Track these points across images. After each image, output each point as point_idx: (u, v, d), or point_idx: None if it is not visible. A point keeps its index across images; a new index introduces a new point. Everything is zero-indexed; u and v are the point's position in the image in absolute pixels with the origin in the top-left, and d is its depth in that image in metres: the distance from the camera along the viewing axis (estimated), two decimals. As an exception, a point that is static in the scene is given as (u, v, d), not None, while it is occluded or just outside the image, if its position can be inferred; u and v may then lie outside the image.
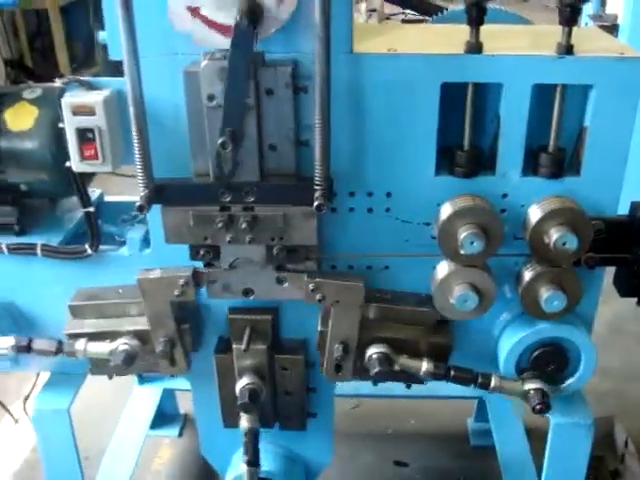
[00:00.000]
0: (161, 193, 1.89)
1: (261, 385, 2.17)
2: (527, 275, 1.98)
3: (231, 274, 2.07)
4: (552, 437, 2.21)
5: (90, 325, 2.19)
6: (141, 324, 2.16)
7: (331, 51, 1.72)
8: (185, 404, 3.61)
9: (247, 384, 2.15)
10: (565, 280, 1.97)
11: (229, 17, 1.70)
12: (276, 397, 2.29)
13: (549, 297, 1.95)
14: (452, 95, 1.89)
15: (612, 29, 4.65)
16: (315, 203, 1.81)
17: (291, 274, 2.05)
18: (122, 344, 2.14)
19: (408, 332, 2.10)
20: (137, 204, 1.85)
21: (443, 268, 1.99)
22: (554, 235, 1.86)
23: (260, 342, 2.16)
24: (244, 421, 2.21)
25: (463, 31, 1.87)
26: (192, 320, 2.18)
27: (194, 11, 1.72)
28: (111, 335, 2.17)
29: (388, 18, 10.23)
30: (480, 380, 2.05)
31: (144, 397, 3.30)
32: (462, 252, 1.87)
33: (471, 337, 2.18)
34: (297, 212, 1.90)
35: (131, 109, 1.78)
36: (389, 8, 11.42)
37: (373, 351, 2.06)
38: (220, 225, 1.90)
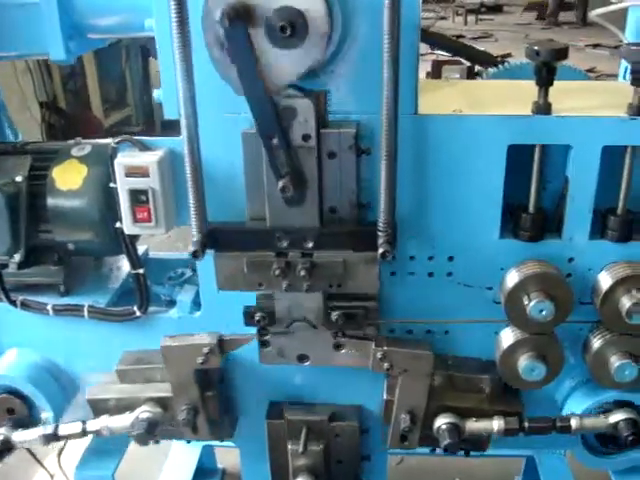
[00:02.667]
0: (215, 237, 1.82)
1: None
2: (596, 343, 1.89)
3: (286, 339, 1.99)
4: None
5: (114, 391, 2.13)
6: (164, 391, 2.09)
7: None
8: (223, 458, 3.51)
9: None
10: (636, 347, 1.87)
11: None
12: (330, 466, 2.20)
13: (620, 366, 1.85)
14: (517, 155, 1.83)
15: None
16: (380, 250, 1.71)
17: (351, 340, 1.97)
18: (143, 412, 2.07)
19: (476, 400, 2.01)
20: (190, 249, 1.77)
21: (508, 336, 1.90)
22: (627, 303, 1.77)
23: (316, 443, 2.11)
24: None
25: (526, 88, 1.81)
26: (218, 387, 2.11)
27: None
28: (133, 403, 2.10)
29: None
30: (559, 425, 1.94)
31: (184, 452, 3.20)
32: (530, 320, 1.79)
33: (533, 404, 2.09)
34: (358, 258, 1.81)
35: (188, 166, 1.72)
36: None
37: (442, 422, 1.98)
38: (277, 272, 1.81)
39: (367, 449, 2.21)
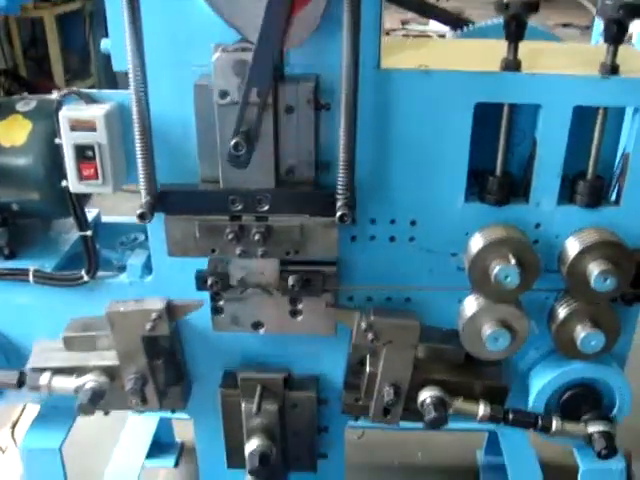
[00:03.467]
0: (165, 200, 1.72)
1: (271, 446, 2.02)
2: (562, 312, 1.83)
3: (240, 306, 1.91)
4: (582, 483, 2.06)
5: (57, 359, 2.01)
6: (111, 359, 1.98)
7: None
8: (182, 432, 3.42)
9: (257, 447, 2.01)
10: (603, 318, 1.82)
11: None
12: (286, 438, 2.12)
13: (586, 336, 1.80)
14: (483, 115, 1.75)
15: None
16: (338, 213, 1.63)
17: (309, 307, 1.89)
18: (89, 381, 1.97)
19: (461, 374, 1.95)
20: (138, 212, 1.67)
21: (471, 303, 1.83)
22: (595, 271, 1.71)
23: (271, 401, 2.02)
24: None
25: (497, 47, 1.73)
26: (168, 355, 2.02)
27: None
28: (78, 370, 2.00)
29: (388, 34, 10.12)
30: (541, 424, 1.92)
31: (140, 425, 3.11)
32: (495, 287, 1.72)
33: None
34: (316, 223, 1.72)
35: (135, 120, 1.63)
36: (389, 23, 11.33)
37: (427, 395, 1.91)
38: (230, 237, 1.72)
39: (325, 420, 2.15)
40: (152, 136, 1.67)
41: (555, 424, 1.91)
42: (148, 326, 1.90)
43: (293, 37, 1.55)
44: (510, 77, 1.69)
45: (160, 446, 3.31)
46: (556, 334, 1.85)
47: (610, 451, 1.89)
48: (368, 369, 1.94)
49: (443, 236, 1.85)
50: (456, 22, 2.23)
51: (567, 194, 1.83)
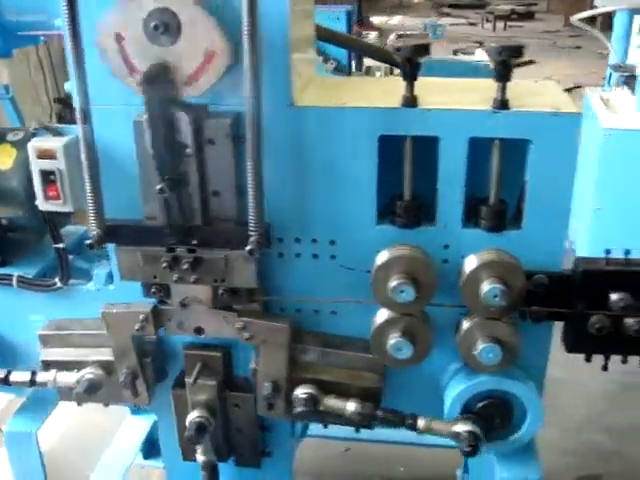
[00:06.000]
0: (112, 233, 2.00)
1: (210, 419, 2.23)
2: (464, 326, 1.99)
3: (184, 313, 2.15)
4: (499, 493, 2.19)
5: (62, 354, 2.31)
6: (107, 355, 2.27)
7: (271, 103, 1.85)
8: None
9: (195, 417, 2.22)
10: (501, 332, 1.97)
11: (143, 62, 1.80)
12: (230, 432, 2.34)
13: (484, 349, 1.95)
14: (397, 147, 1.95)
15: (631, 79, 4.62)
16: (248, 247, 1.88)
17: (232, 315, 2.12)
18: (87, 373, 2.25)
19: (338, 375, 2.14)
20: (87, 242, 1.96)
21: (382, 315, 2.02)
22: (485, 287, 1.87)
23: (211, 377, 2.23)
24: (200, 454, 2.29)
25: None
26: (154, 354, 2.27)
27: (118, 38, 1.80)
28: (79, 365, 2.28)
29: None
30: (408, 421, 2.05)
31: (134, 427, 3.38)
32: (393, 301, 1.90)
33: (423, 385, 2.20)
34: (237, 255, 1.97)
35: (83, 154, 1.90)
36: (442, 52, 11.53)
37: (300, 391, 2.11)
38: (164, 265, 1.99)
39: (268, 420, 2.35)
40: (98, 166, 1.93)
41: (421, 422, 2.04)
42: (137, 326, 2.17)
43: (200, 85, 1.82)
44: (408, 112, 1.89)
45: (157, 448, 3.55)
46: (460, 346, 2.01)
47: (473, 450, 2.00)
48: (252, 366, 2.17)
49: (359, 255, 2.04)
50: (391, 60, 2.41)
51: (474, 218, 2.00)
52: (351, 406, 2.05)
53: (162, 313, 2.17)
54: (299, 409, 2.04)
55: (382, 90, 2.13)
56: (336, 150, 1.95)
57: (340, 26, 4.49)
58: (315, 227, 2.05)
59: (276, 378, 2.11)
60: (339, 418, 2.11)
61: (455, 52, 11.14)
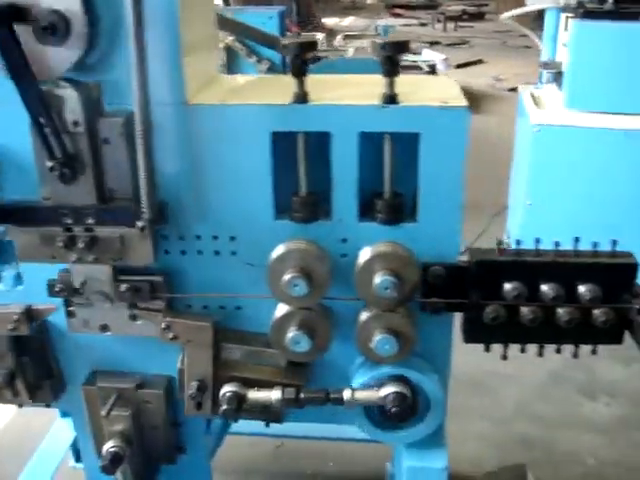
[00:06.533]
0: (9, 215, 2.01)
1: (125, 448, 2.25)
2: (361, 318, 2.03)
3: (88, 310, 2.16)
4: (406, 480, 2.23)
5: None
6: None
7: (163, 102, 1.89)
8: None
9: (111, 447, 2.25)
10: (397, 324, 2.00)
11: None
12: (144, 431, 2.35)
13: (379, 340, 1.99)
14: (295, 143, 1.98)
15: (560, 76, 4.73)
16: (139, 224, 1.92)
17: (142, 312, 2.13)
18: None
19: (263, 372, 2.16)
20: None
21: (281, 309, 2.04)
22: (377, 279, 1.91)
23: (124, 409, 2.27)
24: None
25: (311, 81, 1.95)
26: (35, 354, 2.27)
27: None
28: None
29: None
30: (333, 396, 2.06)
31: (63, 429, 3.36)
32: (288, 295, 1.93)
33: (337, 380, 2.22)
34: (132, 233, 1.98)
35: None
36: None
37: (226, 389, 2.12)
38: (60, 245, 2.00)
39: (181, 416, 2.36)
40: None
41: (346, 394, 2.05)
42: (10, 327, 2.17)
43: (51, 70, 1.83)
44: (299, 108, 1.92)
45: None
46: (358, 339, 2.04)
47: (399, 411, 2.02)
48: (179, 366, 2.18)
49: (259, 251, 2.05)
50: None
51: (371, 212, 2.03)
52: (275, 394, 2.07)
53: (42, 312, 2.20)
54: (224, 407, 2.06)
55: (287, 87, 2.15)
56: (230, 147, 1.97)
57: (272, 26, 4.53)
58: (215, 224, 2.06)
59: (202, 377, 2.13)
60: (265, 412, 2.15)
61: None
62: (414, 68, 8.57)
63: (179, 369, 2.17)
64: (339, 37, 7.92)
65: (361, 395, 2.08)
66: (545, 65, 4.98)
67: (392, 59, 1.87)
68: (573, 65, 4.47)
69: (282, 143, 1.97)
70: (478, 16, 16.85)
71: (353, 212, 2.02)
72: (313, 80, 1.95)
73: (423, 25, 16.02)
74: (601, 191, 4.58)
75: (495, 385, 4.21)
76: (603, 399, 4.15)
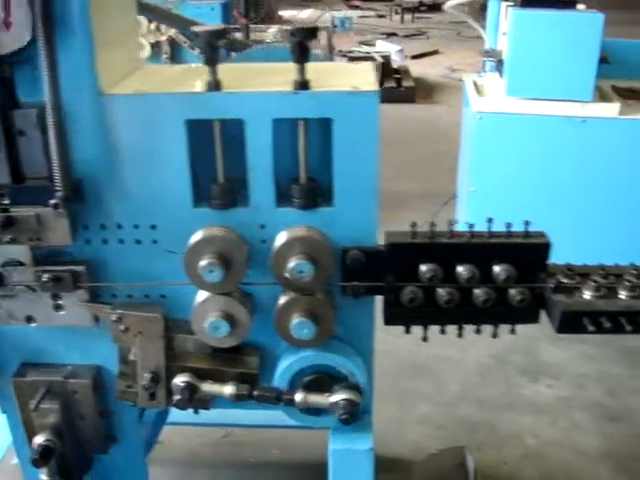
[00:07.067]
0: None
1: (55, 441, 2.27)
2: (279, 302, 2.06)
3: (13, 302, 2.16)
4: (332, 463, 2.25)
5: None
6: None
7: (78, 92, 1.93)
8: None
9: (41, 441, 2.26)
10: (314, 307, 2.04)
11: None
12: (75, 421, 2.36)
13: (297, 324, 2.02)
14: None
15: (501, 64, 4.81)
16: (52, 201, 1.92)
17: (89, 305, 2.15)
18: None
19: (214, 362, 2.19)
20: None
21: (201, 295, 2.07)
22: (291, 263, 1.95)
23: (54, 401, 2.27)
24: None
25: (224, 70, 1.98)
26: None
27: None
28: None
29: (344, 55, 10.49)
30: (285, 397, 2.11)
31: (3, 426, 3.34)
32: (204, 281, 1.96)
33: (262, 363, 2.26)
34: (48, 212, 1.98)
35: None
36: (348, 45, 11.69)
37: (178, 380, 2.14)
38: None
39: (110, 406, 2.38)
40: None
41: (298, 397, 2.10)
42: None
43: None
44: (212, 97, 1.95)
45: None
46: (276, 323, 2.08)
47: (350, 417, 2.07)
48: (132, 358, 2.18)
49: (179, 238, 2.07)
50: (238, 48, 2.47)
51: (287, 198, 2.07)
52: (228, 389, 2.10)
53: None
54: (177, 397, 2.08)
55: (193, 75, 2.17)
56: (147, 135, 1.99)
57: (214, 18, 4.53)
58: (135, 212, 2.08)
59: (155, 369, 2.15)
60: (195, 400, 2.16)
61: (360, 43, 11.36)
62: (368, 59, 8.60)
63: (132, 361, 2.18)
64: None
65: (312, 399, 2.12)
66: (487, 54, 5.07)
67: (302, 45, 1.90)
68: (513, 53, 4.53)
69: (199, 130, 2.00)
70: (435, 7, 16.97)
71: (270, 198, 2.05)
72: (230, 69, 1.99)
73: (381, 17, 16.12)
74: (542, 177, 4.67)
75: (438, 369, 4.28)
76: (545, 381, 4.24)
